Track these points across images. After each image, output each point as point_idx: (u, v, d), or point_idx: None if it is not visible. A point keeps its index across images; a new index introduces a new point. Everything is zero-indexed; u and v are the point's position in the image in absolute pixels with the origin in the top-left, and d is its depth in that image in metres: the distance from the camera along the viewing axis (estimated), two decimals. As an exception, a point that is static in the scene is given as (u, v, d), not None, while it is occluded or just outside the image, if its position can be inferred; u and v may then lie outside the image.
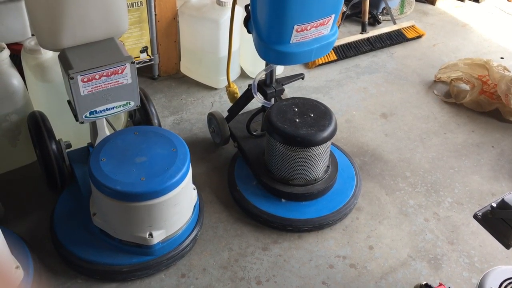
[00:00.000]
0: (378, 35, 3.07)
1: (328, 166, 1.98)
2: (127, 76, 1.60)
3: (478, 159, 2.28)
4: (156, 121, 1.96)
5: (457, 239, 1.90)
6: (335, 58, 2.89)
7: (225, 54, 2.21)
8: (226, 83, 2.18)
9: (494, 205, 1.25)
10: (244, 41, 2.55)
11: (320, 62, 2.85)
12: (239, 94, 2.17)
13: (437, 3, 3.65)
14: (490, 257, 1.84)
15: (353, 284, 1.73)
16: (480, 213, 1.26)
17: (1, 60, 1.85)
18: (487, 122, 2.50)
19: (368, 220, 1.96)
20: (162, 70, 2.69)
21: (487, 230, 1.26)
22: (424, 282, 1.70)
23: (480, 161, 2.27)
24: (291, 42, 1.70)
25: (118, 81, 1.59)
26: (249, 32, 1.83)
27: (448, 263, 1.81)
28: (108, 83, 1.58)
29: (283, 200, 1.92)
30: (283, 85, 2.04)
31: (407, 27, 3.17)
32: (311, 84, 2.73)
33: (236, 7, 1.93)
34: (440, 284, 1.66)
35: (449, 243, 1.88)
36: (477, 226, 1.79)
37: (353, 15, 3.31)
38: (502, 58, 3.03)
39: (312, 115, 1.87)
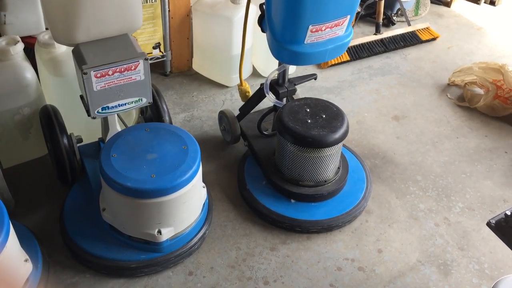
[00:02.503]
0: (392, 36, 3.04)
1: (338, 168, 1.97)
2: (140, 72, 1.60)
3: (491, 164, 2.26)
4: (167, 118, 1.96)
5: (468, 245, 1.88)
6: (348, 58, 2.87)
7: (238, 52, 2.20)
8: (238, 82, 2.17)
9: (509, 213, 1.23)
10: (257, 40, 2.54)
11: (333, 63, 2.83)
12: (250, 93, 2.17)
13: (452, 5, 3.62)
14: (501, 264, 1.82)
15: (361, 287, 1.72)
16: (494, 221, 1.24)
17: (15, 53, 1.86)
18: (500, 127, 2.48)
19: (378, 223, 1.94)
20: (174, 66, 2.69)
21: (501, 238, 1.24)
22: (433, 288, 1.69)
23: (493, 167, 2.24)
24: (305, 42, 1.69)
25: (131, 78, 1.60)
26: (263, 31, 1.82)
27: (458, 269, 1.79)
28: (121, 79, 1.58)
29: (292, 201, 1.92)
30: (295, 85, 2.03)
31: (422, 29, 3.14)
32: (323, 85, 2.71)
33: (250, 5, 1.92)
34: (449, 290, 1.65)
35: (459, 249, 1.86)
36: (488, 233, 1.78)
37: (367, 15, 3.29)
38: (517, 62, 3.00)
39: (324, 116, 1.86)
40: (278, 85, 2.01)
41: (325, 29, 1.67)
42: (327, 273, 1.75)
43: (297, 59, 1.77)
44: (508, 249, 1.28)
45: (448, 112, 2.56)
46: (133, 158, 1.60)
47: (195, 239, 1.76)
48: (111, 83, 1.57)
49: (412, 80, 2.80)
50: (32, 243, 1.69)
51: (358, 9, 3.15)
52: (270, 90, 2.00)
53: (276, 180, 1.93)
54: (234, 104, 2.50)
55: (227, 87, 2.63)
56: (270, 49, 1.79)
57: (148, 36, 2.48)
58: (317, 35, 1.68)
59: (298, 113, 1.86)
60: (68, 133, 1.83)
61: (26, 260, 1.55)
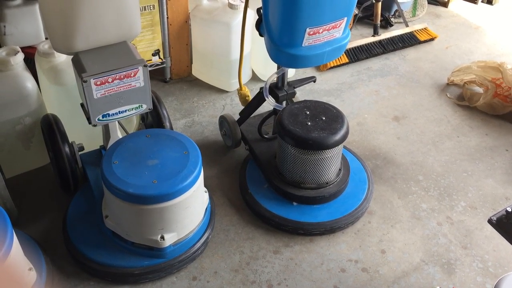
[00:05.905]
0: (390, 37, 3.05)
1: (340, 169, 1.97)
2: (139, 79, 1.61)
3: (492, 162, 2.26)
4: (168, 124, 1.96)
5: (471, 243, 1.88)
6: (347, 61, 2.88)
7: (237, 57, 2.21)
8: (238, 86, 2.18)
9: (509, 209, 1.23)
10: (256, 44, 2.55)
11: (332, 65, 2.84)
12: (250, 97, 2.17)
13: (449, 5, 3.63)
14: (505, 262, 1.81)
15: (365, 289, 1.72)
16: (495, 218, 1.25)
17: (15, 63, 1.87)
18: (500, 125, 2.48)
19: (380, 224, 1.94)
20: (174, 73, 2.70)
21: (502, 235, 1.24)
22: (438, 287, 1.68)
23: (494, 165, 2.24)
24: (303, 45, 1.70)
25: (131, 84, 1.60)
26: (261, 35, 1.83)
27: (462, 268, 1.79)
28: (120, 86, 1.59)
29: (294, 203, 1.92)
30: (294, 88, 2.04)
31: (420, 29, 3.15)
32: (322, 87, 2.72)
33: (248, 10, 1.93)
34: (454, 289, 1.64)
35: (462, 248, 1.86)
36: (491, 231, 1.78)
37: (365, 17, 3.30)
38: (516, 60, 3.01)
39: (324, 118, 1.86)
40: (277, 88, 2.01)
41: (322, 32, 1.68)
42: (331, 275, 1.75)
43: (296, 62, 1.78)
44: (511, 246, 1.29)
45: (448, 112, 2.57)
46: (134, 164, 1.61)
47: (198, 244, 1.76)
48: (111, 91, 1.58)
49: (411, 81, 2.80)
50: (36, 252, 1.70)
51: (356, 11, 3.16)
52: (270, 93, 2.01)
53: (277, 183, 1.94)
54: (234, 108, 2.51)
55: (227, 92, 2.64)
56: (268, 53, 1.80)
57: (147, 43, 2.49)
58: (314, 37, 1.69)
59: (298, 116, 1.87)
60: (70, 142, 1.84)
61: (30, 269, 1.56)
